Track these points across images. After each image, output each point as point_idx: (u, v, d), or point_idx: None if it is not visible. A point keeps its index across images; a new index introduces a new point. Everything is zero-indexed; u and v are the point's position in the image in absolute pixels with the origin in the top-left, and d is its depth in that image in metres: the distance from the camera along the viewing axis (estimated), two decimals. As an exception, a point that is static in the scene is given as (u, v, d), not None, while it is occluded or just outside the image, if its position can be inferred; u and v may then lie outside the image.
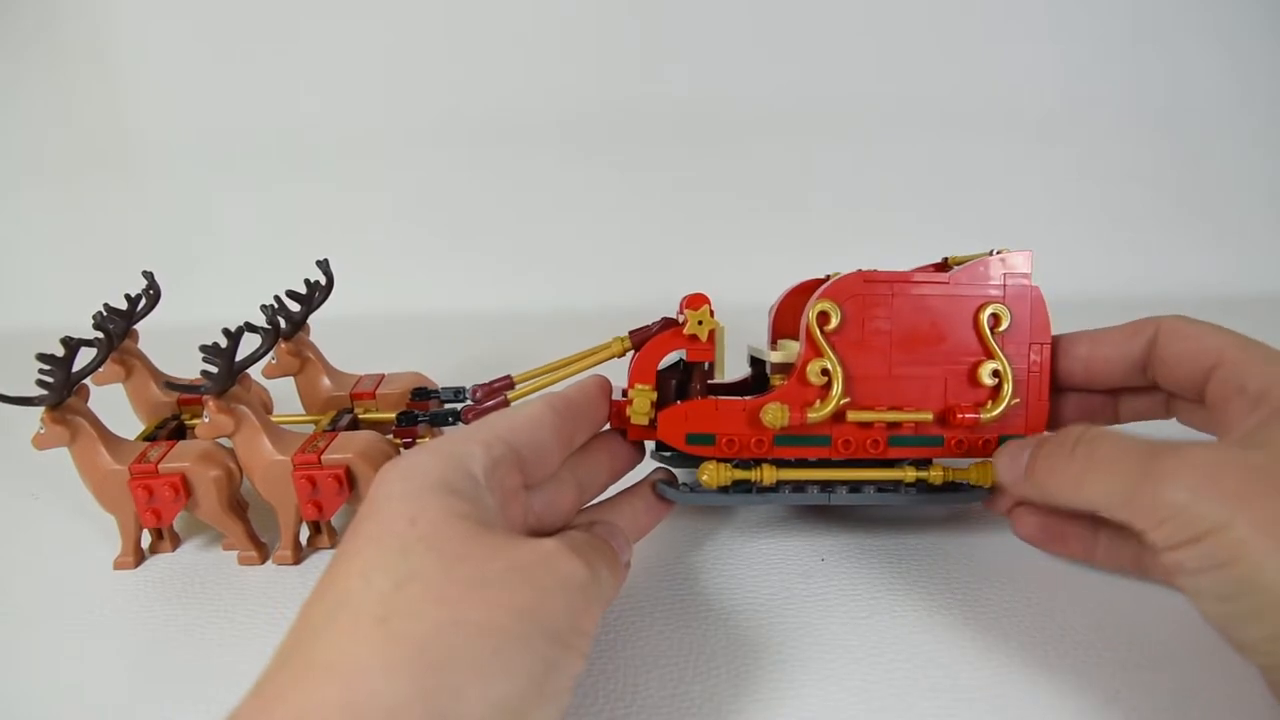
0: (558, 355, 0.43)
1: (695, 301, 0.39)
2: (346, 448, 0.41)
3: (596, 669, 0.35)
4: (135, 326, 0.48)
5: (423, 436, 0.46)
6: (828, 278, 0.42)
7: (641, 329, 0.46)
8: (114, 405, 0.47)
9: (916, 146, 0.83)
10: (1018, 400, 0.39)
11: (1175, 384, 0.37)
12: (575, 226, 0.82)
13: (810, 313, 0.38)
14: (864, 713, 0.32)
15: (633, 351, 0.45)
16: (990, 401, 0.39)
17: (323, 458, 0.41)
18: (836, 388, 0.38)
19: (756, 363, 0.45)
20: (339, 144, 0.82)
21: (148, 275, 0.47)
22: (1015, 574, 0.40)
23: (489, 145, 0.82)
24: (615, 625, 0.37)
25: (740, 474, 0.40)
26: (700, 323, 0.39)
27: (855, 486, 0.41)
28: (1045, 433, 0.37)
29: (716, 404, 0.39)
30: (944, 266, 0.46)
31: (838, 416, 0.39)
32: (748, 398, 0.39)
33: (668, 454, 0.44)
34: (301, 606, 0.26)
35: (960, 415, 0.39)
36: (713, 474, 0.40)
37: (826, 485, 0.41)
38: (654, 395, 0.39)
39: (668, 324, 0.44)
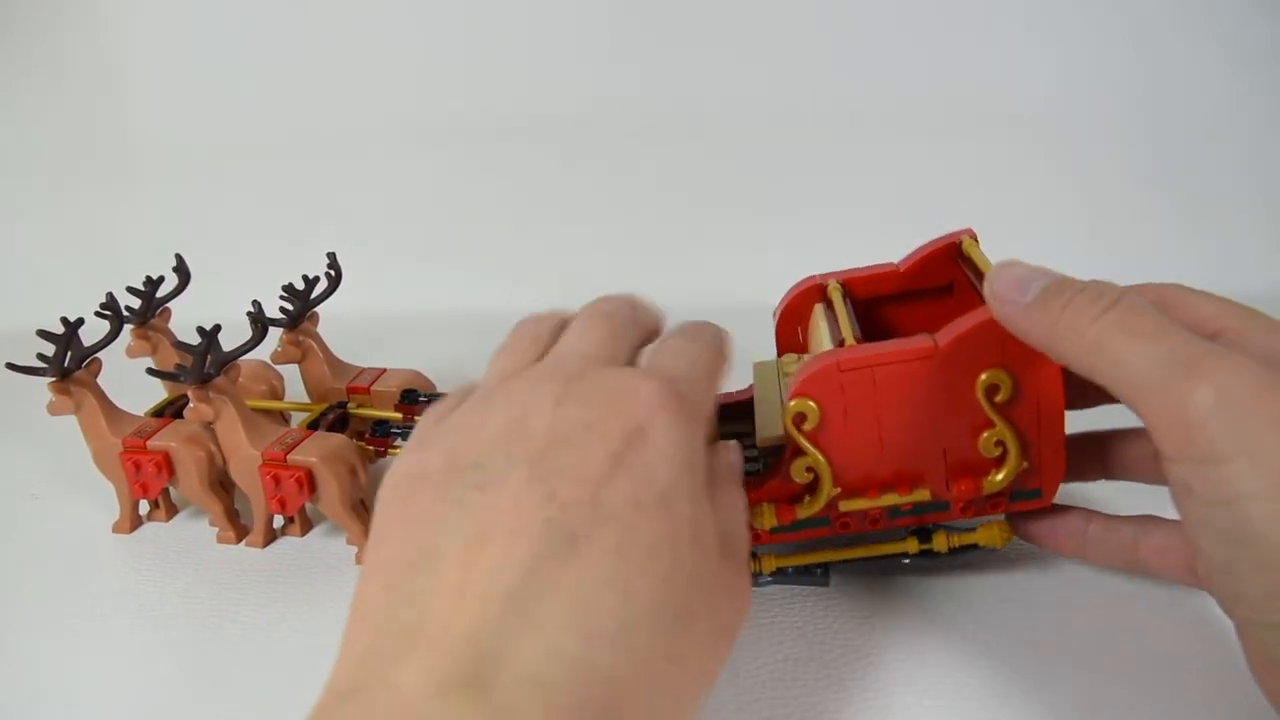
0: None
1: None
2: (312, 450, 0.43)
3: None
4: (169, 305, 0.51)
5: (395, 447, 0.47)
6: (824, 290, 0.42)
7: None
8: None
9: (910, 143, 0.77)
10: (1026, 464, 0.35)
11: None
12: (578, 226, 0.81)
13: (786, 415, 0.35)
14: (864, 712, 0.33)
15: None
16: (994, 470, 0.35)
17: (288, 457, 0.42)
18: (825, 484, 0.35)
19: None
20: (343, 143, 0.83)
21: (179, 257, 0.50)
22: (1015, 575, 0.39)
23: (494, 144, 0.81)
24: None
25: None
26: None
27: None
28: (1061, 276, 0.30)
29: None
30: (956, 248, 0.42)
31: (830, 505, 0.36)
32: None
33: None
34: None
35: (961, 488, 0.35)
36: None
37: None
38: None
39: None
